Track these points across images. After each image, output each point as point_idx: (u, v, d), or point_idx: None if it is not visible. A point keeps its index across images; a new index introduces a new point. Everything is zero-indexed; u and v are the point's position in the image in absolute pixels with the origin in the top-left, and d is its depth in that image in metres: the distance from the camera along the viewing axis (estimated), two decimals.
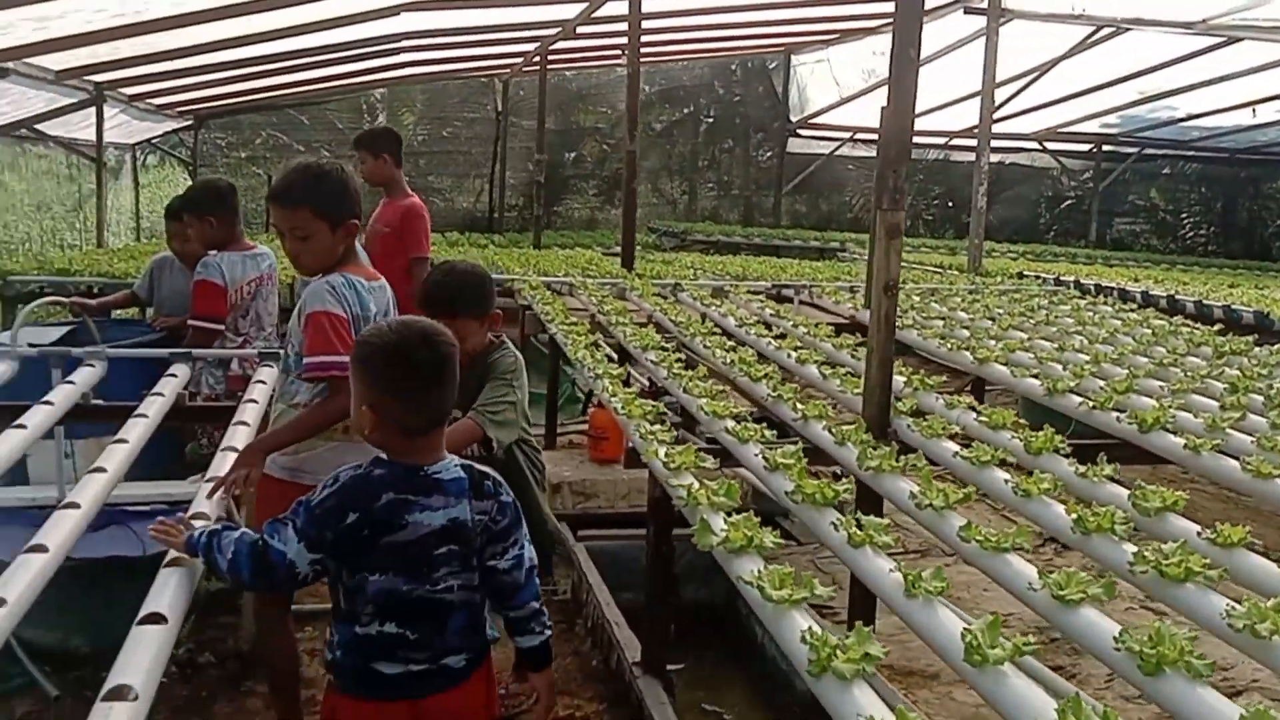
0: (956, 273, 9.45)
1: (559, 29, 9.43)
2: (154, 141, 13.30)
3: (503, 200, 15.67)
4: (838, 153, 16.81)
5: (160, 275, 4.82)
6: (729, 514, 2.37)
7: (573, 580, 4.24)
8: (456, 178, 16.79)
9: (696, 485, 2.51)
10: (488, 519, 2.08)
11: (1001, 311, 5.76)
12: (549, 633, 2.21)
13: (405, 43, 9.21)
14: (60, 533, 2.27)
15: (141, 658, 1.67)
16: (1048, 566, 2.83)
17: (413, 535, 1.99)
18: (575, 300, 5.79)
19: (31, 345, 4.17)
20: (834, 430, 3.08)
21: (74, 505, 2.42)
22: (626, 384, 3.78)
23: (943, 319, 5.38)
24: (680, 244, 14.02)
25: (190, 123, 12.93)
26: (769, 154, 17.95)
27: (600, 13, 8.43)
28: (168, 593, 1.98)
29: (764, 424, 3.11)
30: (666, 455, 2.74)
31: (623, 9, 7.53)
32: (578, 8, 8.47)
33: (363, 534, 1.97)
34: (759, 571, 2.04)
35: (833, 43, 13.79)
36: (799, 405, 3.35)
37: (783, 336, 4.56)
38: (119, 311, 5.29)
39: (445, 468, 2.06)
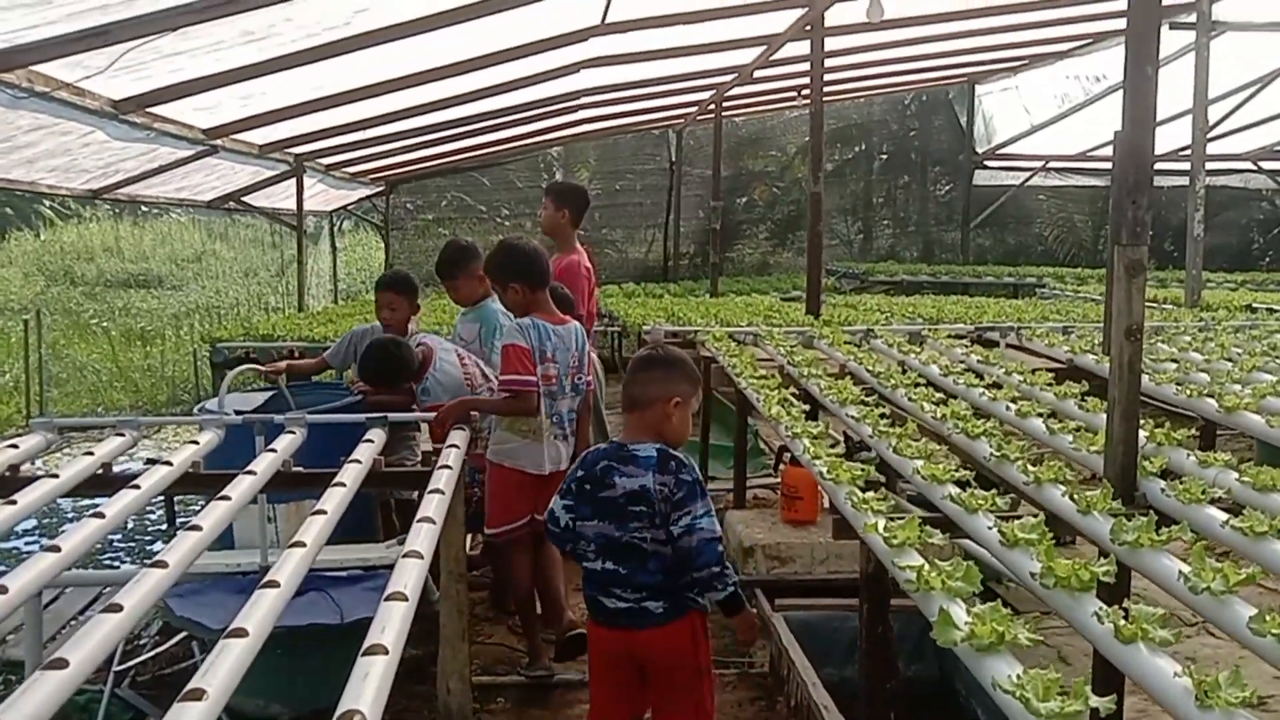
0: (1173, 306, 8.68)
1: (735, 75, 9.32)
2: (349, 208, 14.00)
3: (677, 249, 15.66)
4: (1027, 183, 15.99)
5: (362, 344, 4.89)
6: (969, 600, 2.08)
7: (771, 653, 3.97)
8: (629, 229, 16.95)
9: (927, 567, 2.22)
10: (667, 490, 2.73)
11: (1240, 351, 5.15)
12: (733, 587, 2.78)
13: (584, 99, 9.32)
14: (260, 613, 2.20)
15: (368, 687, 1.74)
16: None
17: (615, 494, 2.77)
18: (761, 351, 5.56)
19: (238, 412, 4.30)
20: (1076, 496, 2.72)
21: (274, 584, 2.35)
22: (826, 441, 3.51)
23: (1175, 361, 4.85)
24: (861, 285, 13.58)
25: (382, 189, 13.54)
26: (948, 188, 17.29)
27: (777, 56, 8.27)
28: (391, 626, 1.99)
29: (994, 490, 2.77)
30: (887, 530, 2.45)
31: (801, 50, 7.35)
32: (755, 52, 8.33)
33: (585, 487, 2.83)
34: (1018, 678, 1.74)
35: (1021, 69, 13.15)
36: (1029, 467, 2.99)
37: (996, 386, 4.17)
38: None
39: (643, 447, 2.81)
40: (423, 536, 2.64)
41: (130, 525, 6.98)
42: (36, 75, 3.72)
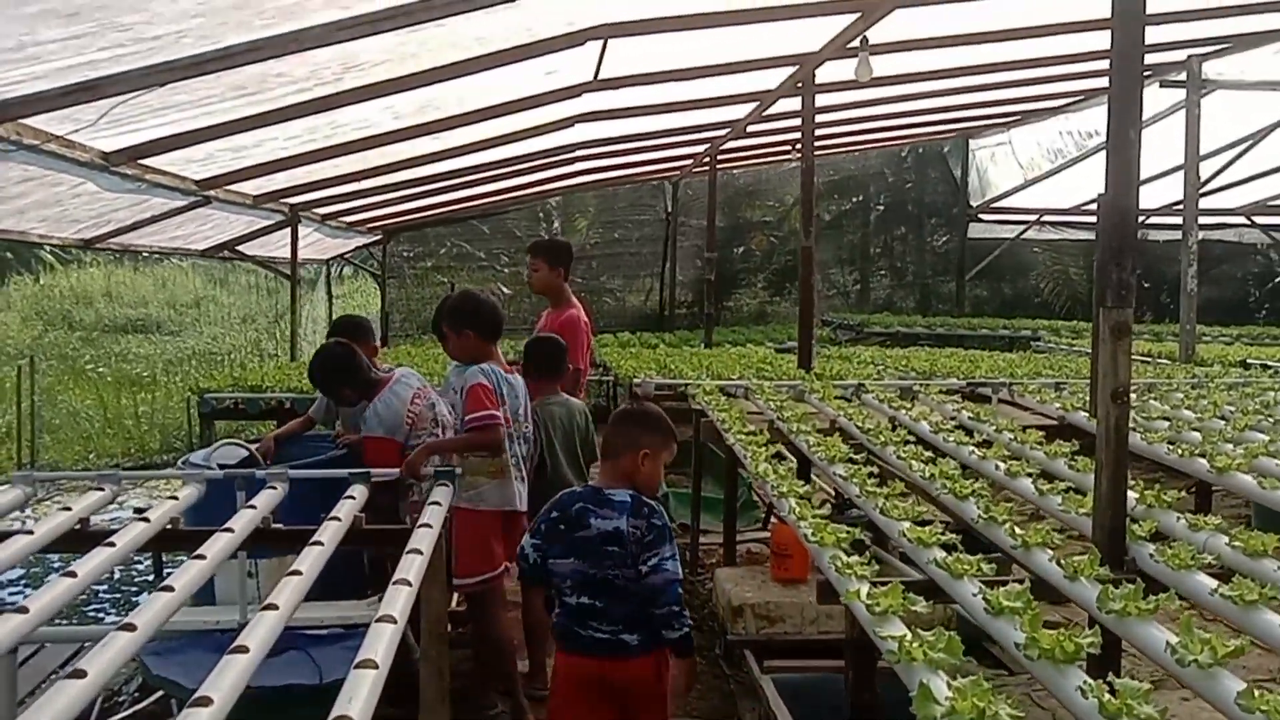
0: (1167, 362, 8.67)
1: (729, 129, 9.41)
2: (346, 256, 14.04)
3: (673, 298, 15.71)
4: (1023, 236, 16.08)
5: None
6: (951, 673, 2.04)
7: (759, 717, 3.89)
8: (627, 278, 17.02)
9: (909, 637, 2.17)
10: (639, 532, 2.98)
11: (1233, 409, 5.12)
12: (687, 629, 2.97)
13: (579, 152, 9.38)
14: (226, 680, 2.14)
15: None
16: None
17: (590, 534, 2.99)
18: (752, 404, 5.53)
19: (221, 466, 4.26)
20: (1063, 562, 2.68)
21: (243, 649, 2.30)
22: (811, 501, 3.47)
23: (1167, 419, 4.82)
24: (856, 337, 13.59)
25: (379, 237, 13.59)
26: (944, 239, 17.39)
27: (770, 111, 8.34)
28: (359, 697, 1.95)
29: (979, 555, 2.73)
30: (869, 596, 2.41)
31: (794, 105, 7.41)
32: (748, 108, 8.41)
33: (560, 527, 3.06)
34: None
35: (1014, 125, 13.28)
36: (1017, 530, 2.95)
37: (987, 444, 4.14)
38: None
39: (618, 493, 3.05)
40: (399, 600, 2.59)
41: (117, 575, 6.90)
42: (25, 128, 3.74)
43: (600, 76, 6.31)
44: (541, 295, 5.73)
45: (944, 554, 2.75)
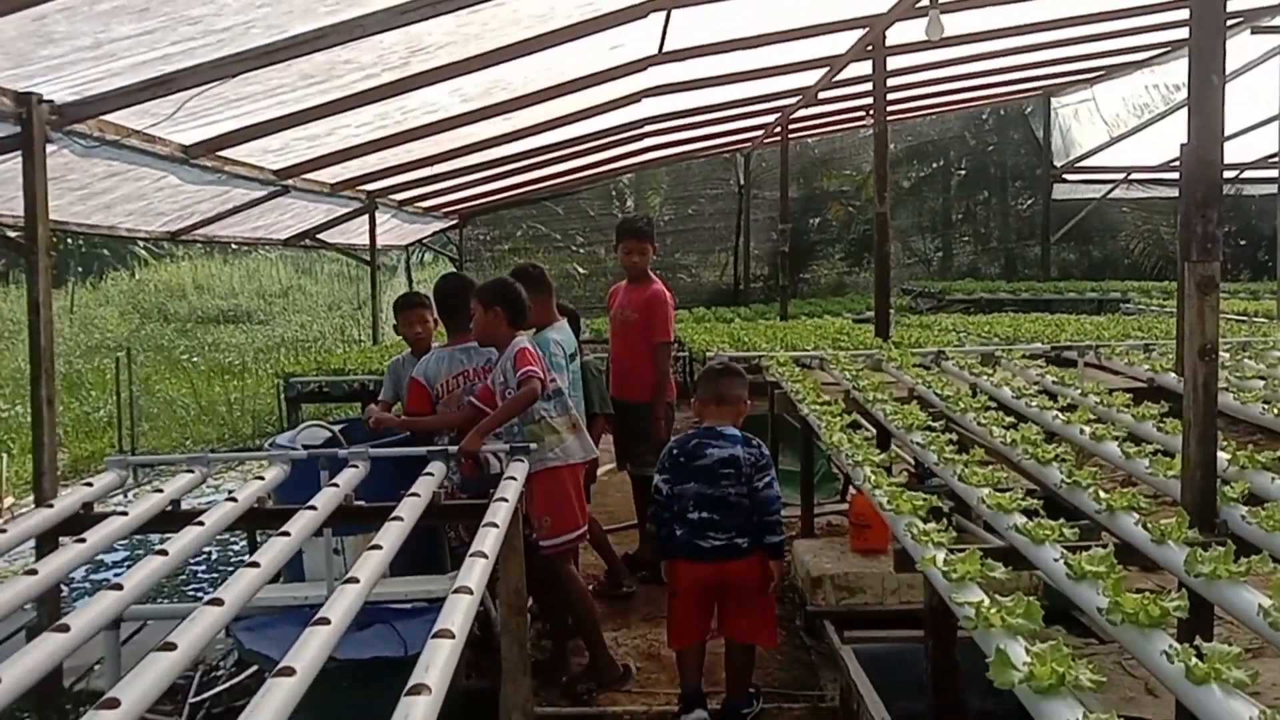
0: (1264, 320, 8.31)
1: (799, 97, 9.26)
2: (424, 241, 14.24)
3: (748, 272, 15.58)
4: (1110, 196, 15.53)
5: (402, 373, 4.91)
6: (1030, 639, 1.99)
7: (841, 686, 3.86)
8: (702, 253, 16.93)
9: (986, 603, 2.13)
10: (754, 457, 3.79)
11: None
12: (783, 536, 3.85)
13: (648, 127, 9.34)
14: (308, 652, 2.20)
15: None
16: None
17: (708, 461, 3.76)
18: (827, 375, 5.46)
19: (306, 447, 4.37)
20: (1150, 525, 2.59)
21: (324, 621, 2.35)
22: (889, 470, 3.42)
23: (1263, 379, 4.62)
24: (938, 305, 13.30)
25: (455, 222, 13.75)
26: (1029, 203, 16.91)
27: (841, 76, 8.19)
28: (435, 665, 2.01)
29: (1061, 520, 2.65)
30: (946, 564, 2.36)
31: (865, 69, 7.27)
32: (818, 74, 8.27)
33: (680, 460, 3.82)
34: None
35: (1098, 80, 12.82)
36: (1102, 493, 2.87)
37: (1071, 408, 4.02)
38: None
39: (728, 429, 3.85)
40: (475, 572, 2.63)
41: (215, 556, 7.15)
42: (106, 124, 3.86)
43: (665, 49, 6.26)
44: (636, 275, 5.55)
45: (1025, 519, 2.69)
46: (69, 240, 27.23)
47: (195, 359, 16.84)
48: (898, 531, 2.77)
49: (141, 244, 27.03)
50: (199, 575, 6.85)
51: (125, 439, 10.88)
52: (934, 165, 17.76)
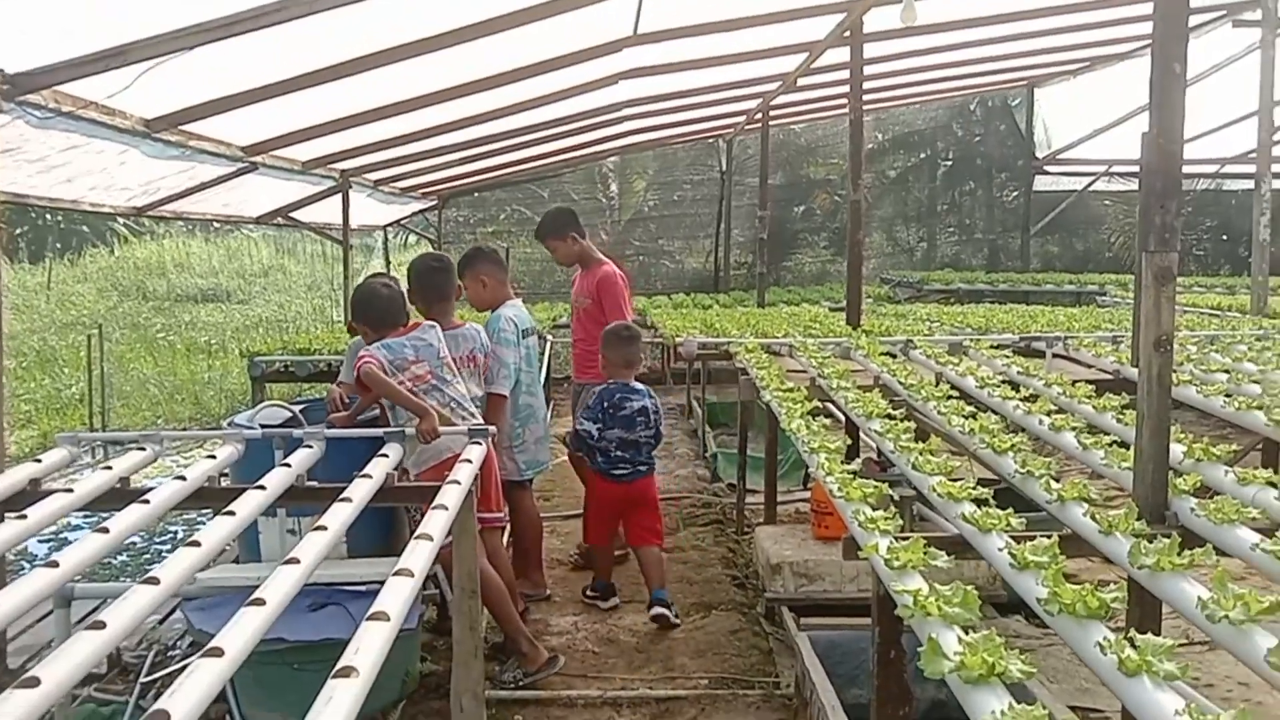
0: (1238, 315, 8.34)
1: (780, 83, 9.22)
2: (403, 222, 14.12)
3: (728, 259, 15.54)
4: (1092, 188, 15.55)
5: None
6: (966, 629, 1.97)
7: (796, 674, 3.85)
8: (686, 239, 16.88)
9: (924, 591, 2.11)
10: (655, 405, 4.87)
11: None
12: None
13: (627, 110, 9.28)
14: (239, 634, 2.16)
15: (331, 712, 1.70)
16: None
17: (628, 412, 4.77)
18: (795, 362, 5.45)
19: (264, 427, 4.32)
20: (1098, 516, 2.58)
21: (260, 602, 2.32)
22: (850, 457, 3.40)
23: (1227, 372, 4.63)
24: (916, 294, 13.31)
25: (434, 203, 13.64)
26: (1014, 195, 16.92)
27: (822, 62, 8.15)
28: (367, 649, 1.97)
29: (1009, 510, 2.64)
30: (889, 551, 2.35)
31: (844, 56, 7.22)
32: (798, 59, 8.22)
33: (608, 410, 4.77)
34: (1002, 713, 1.64)
35: (1081, 71, 12.82)
36: (1053, 483, 2.86)
37: (1033, 398, 4.01)
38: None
39: (635, 385, 4.87)
40: (418, 555, 2.59)
41: (180, 535, 7.09)
42: (63, 95, 3.78)
43: (639, 30, 6.20)
44: (574, 265, 5.73)
45: (974, 509, 2.67)
46: (47, 216, 26.98)
47: (172, 338, 16.70)
48: (846, 518, 2.76)
49: (121, 221, 26.77)
50: (163, 556, 6.80)
51: (96, 416, 10.79)
52: (920, 155, 17.73)
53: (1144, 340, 2.85)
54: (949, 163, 17.65)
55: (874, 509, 2.70)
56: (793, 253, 17.08)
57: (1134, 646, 1.85)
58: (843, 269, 17.12)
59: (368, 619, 2.16)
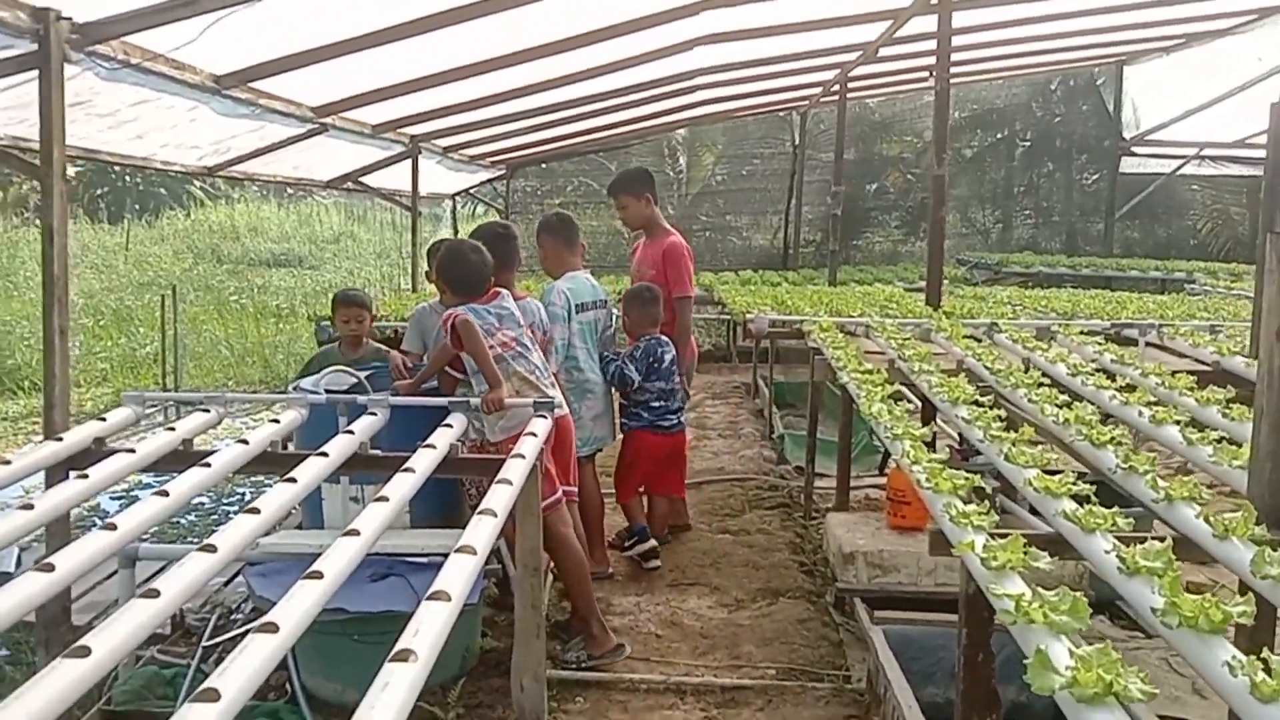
0: None
1: (859, 53, 8.91)
2: (471, 191, 14.08)
3: (798, 236, 15.23)
4: (1179, 172, 14.93)
5: (425, 323, 4.79)
6: (1074, 639, 1.80)
7: (869, 668, 3.69)
8: (754, 215, 16.62)
9: (1028, 596, 1.94)
10: (676, 355, 5.22)
11: None
12: None
13: (700, 79, 9.06)
14: (295, 609, 2.07)
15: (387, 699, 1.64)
16: None
17: (665, 364, 5.13)
18: (872, 343, 5.24)
19: (329, 392, 4.26)
20: (1212, 519, 2.37)
21: (317, 575, 2.23)
22: (932, 445, 3.22)
23: None
24: (994, 277, 12.89)
25: (503, 172, 13.56)
26: (1095, 177, 16.34)
27: (904, 32, 7.84)
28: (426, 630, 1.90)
29: (1115, 509, 2.44)
30: (985, 549, 2.17)
31: (930, 25, 6.93)
32: (880, 27, 7.92)
33: (651, 362, 5.08)
34: None
35: (1175, 49, 12.24)
36: (1159, 481, 2.65)
37: (1130, 389, 3.77)
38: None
39: (662, 338, 5.16)
40: (481, 531, 2.49)
41: (247, 496, 7.13)
42: (131, 47, 3.73)
43: None
44: (639, 230, 5.60)
45: (1075, 506, 2.48)
46: (126, 178, 27.59)
47: (244, 301, 16.94)
48: (935, 512, 2.58)
49: (197, 184, 27.27)
50: (232, 515, 6.84)
51: (168, 376, 10.95)
52: (998, 135, 17.20)
53: (1265, 329, 2.62)
54: (1027, 143, 17.13)
55: (965, 502, 2.52)
56: (864, 231, 16.73)
57: (1268, 670, 1.66)
58: (914, 249, 16.77)
59: (428, 598, 2.06)
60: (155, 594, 2.10)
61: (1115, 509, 2.44)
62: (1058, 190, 17.11)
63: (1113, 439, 3.06)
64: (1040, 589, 1.99)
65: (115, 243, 23.34)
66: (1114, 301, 7.59)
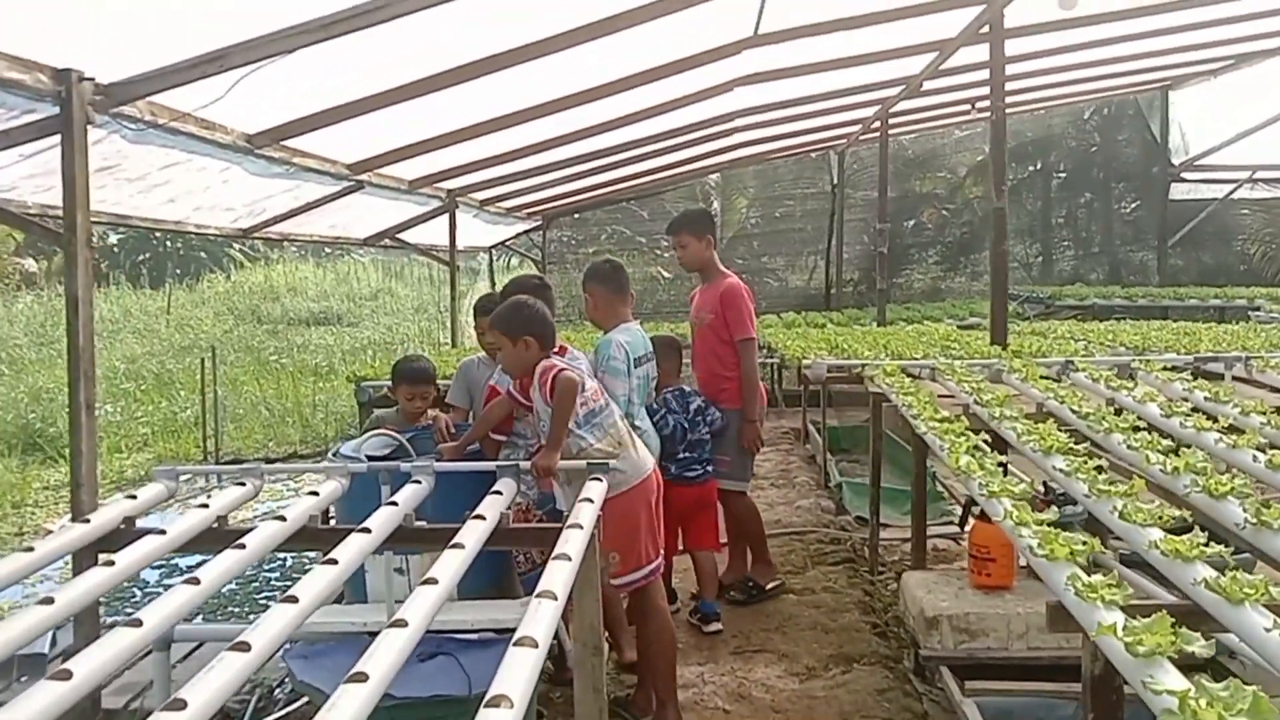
0: None
1: (902, 87, 8.70)
2: (507, 243, 13.99)
3: (839, 276, 14.97)
4: (1230, 196, 14.53)
5: (471, 376, 4.60)
6: None
7: None
8: (790, 256, 16.48)
9: (1195, 693, 1.64)
10: (705, 404, 5.10)
11: None
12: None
13: (739, 121, 8.89)
14: (339, 717, 1.83)
15: None
16: None
17: (691, 411, 5.00)
18: (940, 387, 4.94)
19: (370, 457, 4.05)
20: None
21: (361, 677, 1.98)
22: (1032, 504, 2.91)
23: None
24: (1046, 311, 12.54)
25: (538, 223, 13.46)
26: (1134, 205, 16.00)
27: (949, 64, 7.63)
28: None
29: (1261, 577, 2.14)
30: (1128, 632, 1.88)
31: (973, 57, 6.72)
32: (924, 60, 7.72)
33: (677, 411, 4.98)
34: None
35: (1224, 70, 11.93)
36: None
37: (1235, 430, 3.45)
38: None
39: (687, 387, 5.15)
40: (539, 619, 2.23)
41: (289, 562, 6.92)
42: (159, 107, 3.58)
43: (760, 30, 5.81)
44: (696, 272, 5.37)
45: (1214, 573, 2.18)
46: (167, 243, 27.96)
47: (284, 360, 16.91)
48: (1053, 584, 2.28)
49: (236, 247, 27.56)
50: (272, 583, 6.63)
51: (209, 439, 10.84)
52: (1032, 167, 16.96)
53: None
54: (1063, 174, 16.89)
55: (1088, 573, 2.22)
56: (904, 269, 16.51)
57: None
58: (955, 285, 16.46)
59: (486, 705, 1.80)
60: (182, 705, 1.88)
61: (1263, 577, 2.14)
62: (1097, 221, 16.83)
63: (1233, 489, 2.75)
64: (1204, 681, 1.70)
65: (157, 307, 23.57)
66: (1184, 333, 7.23)
